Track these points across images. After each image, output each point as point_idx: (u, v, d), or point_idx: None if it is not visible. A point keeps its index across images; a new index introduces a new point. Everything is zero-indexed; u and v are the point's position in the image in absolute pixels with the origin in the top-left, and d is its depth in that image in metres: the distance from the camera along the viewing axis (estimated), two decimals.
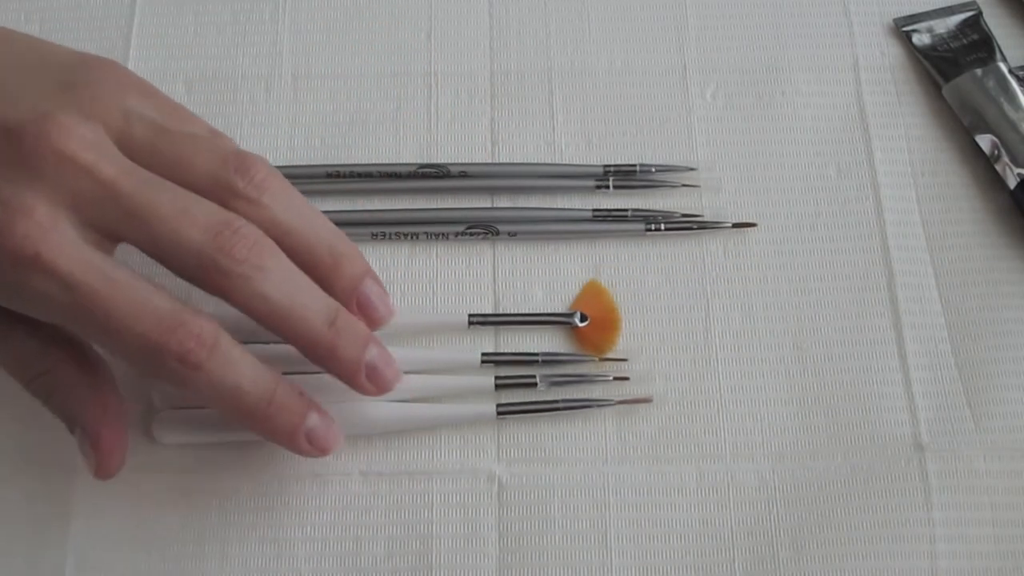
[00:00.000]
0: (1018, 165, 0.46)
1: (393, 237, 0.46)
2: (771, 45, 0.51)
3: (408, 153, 0.48)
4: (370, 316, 0.39)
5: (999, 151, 0.47)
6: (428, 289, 0.46)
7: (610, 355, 0.44)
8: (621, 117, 0.49)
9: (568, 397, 0.43)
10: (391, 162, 0.48)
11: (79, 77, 0.37)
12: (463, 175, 0.48)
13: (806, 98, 0.50)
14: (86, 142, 0.35)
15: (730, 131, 0.49)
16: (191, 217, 0.35)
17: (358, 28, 0.51)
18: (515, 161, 0.48)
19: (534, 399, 0.43)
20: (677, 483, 0.42)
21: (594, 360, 0.44)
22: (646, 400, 0.43)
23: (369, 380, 0.38)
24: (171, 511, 0.41)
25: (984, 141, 0.47)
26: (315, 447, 0.38)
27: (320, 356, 0.37)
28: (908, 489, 0.42)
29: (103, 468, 0.38)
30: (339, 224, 0.46)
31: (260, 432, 0.37)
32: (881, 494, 0.42)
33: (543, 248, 0.47)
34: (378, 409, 0.42)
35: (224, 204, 0.36)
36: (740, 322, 0.45)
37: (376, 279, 0.40)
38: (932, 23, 0.51)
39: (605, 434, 0.43)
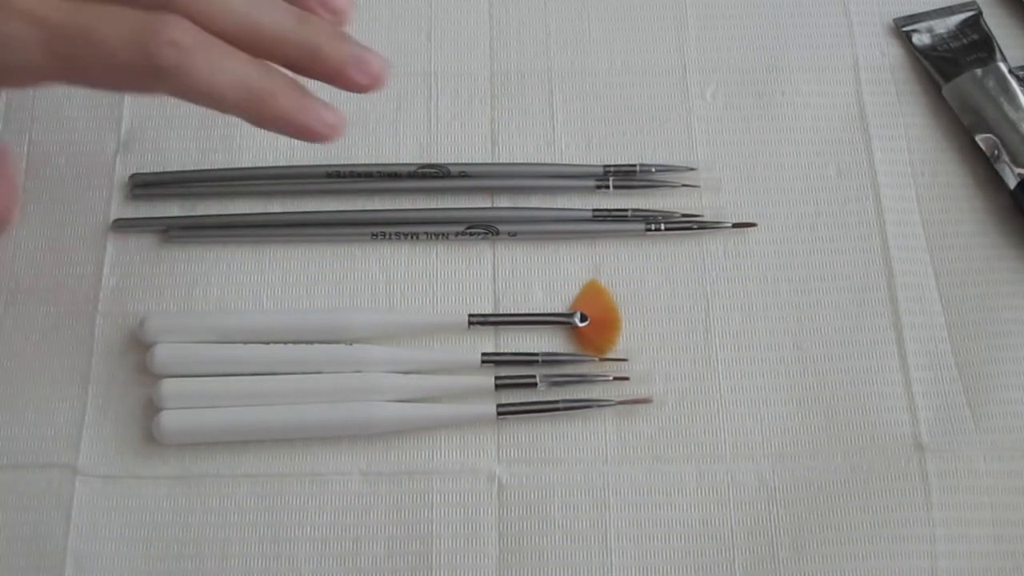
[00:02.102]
0: (1018, 165, 0.46)
1: (393, 237, 0.46)
2: (771, 45, 0.51)
3: (408, 153, 0.48)
4: (334, 8, 0.38)
5: (999, 151, 0.47)
6: (428, 289, 0.46)
7: (610, 355, 0.44)
8: (621, 117, 0.49)
9: (568, 397, 0.43)
10: (391, 162, 0.48)
11: None
12: (463, 175, 0.48)
13: (806, 98, 0.50)
14: None
15: (730, 131, 0.49)
16: (118, 28, 0.34)
17: (358, 28, 0.50)
18: (515, 161, 0.48)
19: (534, 399, 0.43)
20: (677, 483, 0.42)
21: (594, 360, 0.44)
22: (646, 400, 0.43)
23: (360, 71, 0.37)
24: (171, 511, 0.41)
25: (984, 141, 0.47)
26: (324, 123, 0.36)
27: (305, 61, 0.36)
28: (908, 489, 0.42)
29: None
30: (339, 224, 0.47)
31: (267, 114, 0.36)
32: (881, 494, 0.42)
33: (543, 248, 0.47)
34: (378, 409, 0.42)
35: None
36: (740, 322, 0.45)
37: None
38: (932, 23, 0.51)
39: (605, 434, 0.43)
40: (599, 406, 0.43)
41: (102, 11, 0.34)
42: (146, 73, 0.34)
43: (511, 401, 0.43)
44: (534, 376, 0.43)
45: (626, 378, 0.44)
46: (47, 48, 0.34)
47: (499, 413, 0.42)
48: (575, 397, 0.43)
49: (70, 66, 0.34)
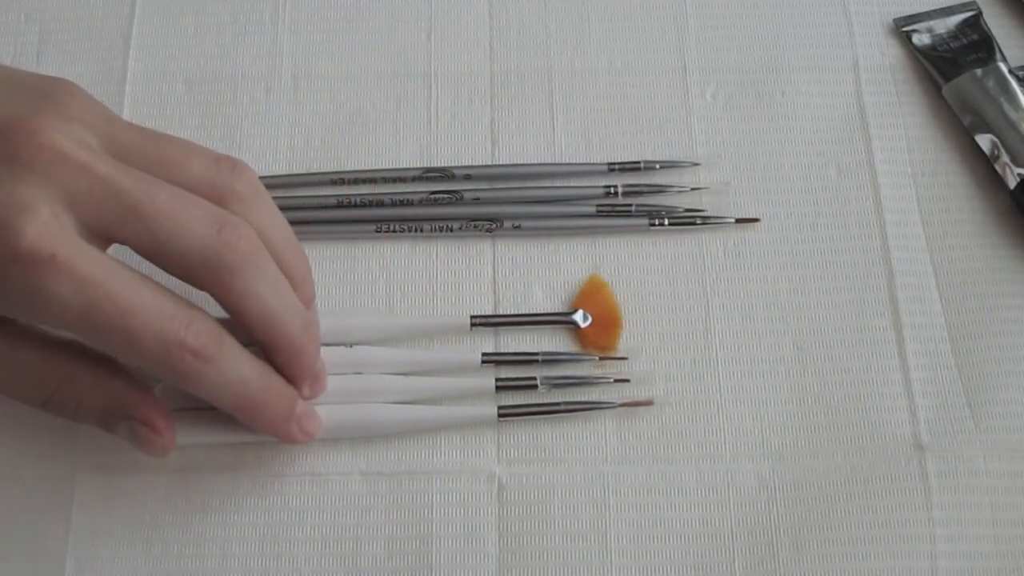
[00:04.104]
0: (1018, 165, 0.46)
1: (397, 230, 0.46)
2: (771, 45, 0.51)
3: (408, 153, 0.48)
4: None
5: (999, 151, 0.47)
6: (428, 289, 0.46)
7: (611, 353, 0.44)
8: (621, 117, 0.49)
9: (569, 399, 0.43)
10: (392, 162, 0.48)
11: (55, 89, 0.36)
12: (468, 178, 0.47)
13: (806, 98, 0.50)
14: (77, 140, 0.34)
15: (730, 131, 0.49)
16: (191, 212, 0.35)
17: (358, 28, 0.51)
18: (516, 162, 0.48)
19: (535, 400, 0.43)
20: (677, 483, 0.42)
21: (594, 359, 0.44)
22: (647, 403, 0.43)
23: (312, 388, 0.40)
24: (171, 511, 0.41)
25: (984, 141, 0.47)
26: (304, 432, 0.39)
27: (287, 356, 0.38)
28: (908, 489, 0.42)
29: (168, 443, 0.39)
30: (342, 222, 0.47)
31: (258, 421, 0.38)
32: (881, 494, 0.42)
33: (543, 247, 0.46)
34: (379, 411, 0.42)
35: (218, 204, 0.36)
36: (740, 322, 0.45)
37: (315, 304, 0.41)
38: (932, 23, 0.51)
39: (605, 434, 0.43)
40: (600, 408, 0.43)
41: (144, 295, 0.34)
42: (161, 369, 0.35)
43: (512, 403, 0.43)
44: (535, 378, 0.43)
45: (627, 380, 0.44)
46: (82, 318, 0.33)
47: (500, 415, 0.42)
48: (576, 399, 0.43)
49: (94, 336, 0.35)
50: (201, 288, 0.36)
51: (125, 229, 0.34)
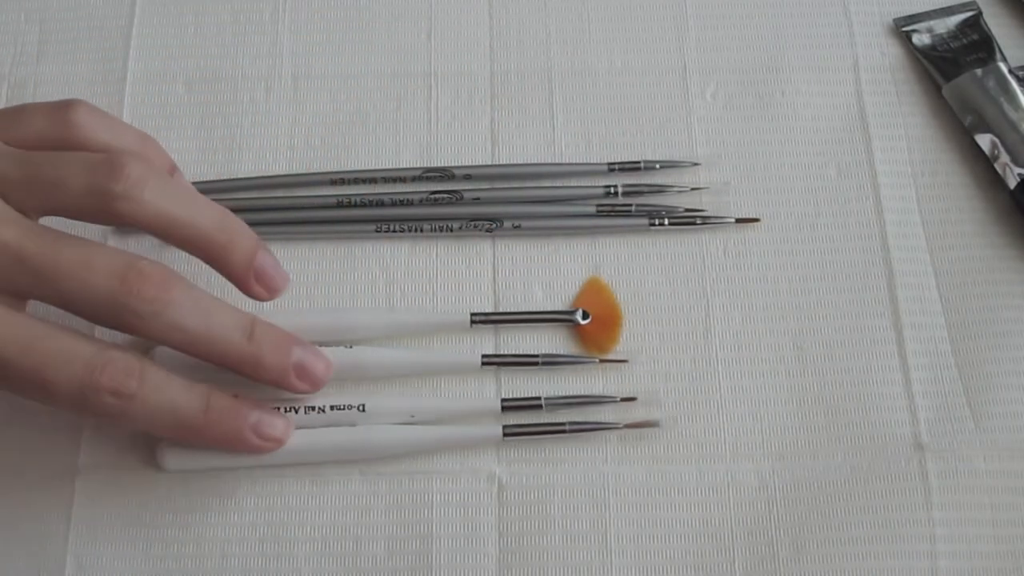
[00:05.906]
0: (1018, 165, 0.46)
1: (397, 230, 0.46)
2: (771, 45, 0.51)
3: (408, 153, 0.48)
4: (268, 286, 0.40)
5: (999, 151, 0.47)
6: (428, 288, 0.46)
7: (611, 354, 0.44)
8: (621, 117, 0.49)
9: (575, 419, 0.42)
10: (392, 162, 0.48)
11: None
12: (468, 177, 0.47)
13: (806, 98, 0.50)
14: None
15: (730, 131, 0.49)
16: (95, 268, 0.35)
17: (358, 28, 0.51)
18: (516, 162, 0.48)
19: (539, 420, 0.43)
20: (677, 483, 0.42)
21: (594, 361, 0.44)
22: (653, 424, 0.43)
23: (300, 379, 0.39)
24: (171, 511, 0.41)
25: (984, 141, 0.47)
26: (265, 440, 0.39)
27: (247, 370, 0.38)
28: (908, 489, 0.42)
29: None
30: (344, 221, 0.47)
31: (208, 441, 0.38)
32: (881, 494, 0.42)
33: (543, 247, 0.46)
34: (384, 433, 0.42)
35: (108, 210, 0.36)
36: (740, 322, 0.45)
37: (267, 250, 0.40)
38: (932, 23, 0.51)
39: (605, 434, 0.43)
40: (606, 429, 0.42)
41: (54, 345, 0.35)
42: (85, 414, 0.37)
43: (516, 421, 0.42)
44: (539, 398, 0.43)
45: (633, 399, 0.43)
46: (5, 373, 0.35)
47: (505, 435, 0.42)
48: (582, 419, 0.42)
49: (13, 390, 0.36)
50: (122, 332, 0.37)
51: (33, 290, 0.36)
